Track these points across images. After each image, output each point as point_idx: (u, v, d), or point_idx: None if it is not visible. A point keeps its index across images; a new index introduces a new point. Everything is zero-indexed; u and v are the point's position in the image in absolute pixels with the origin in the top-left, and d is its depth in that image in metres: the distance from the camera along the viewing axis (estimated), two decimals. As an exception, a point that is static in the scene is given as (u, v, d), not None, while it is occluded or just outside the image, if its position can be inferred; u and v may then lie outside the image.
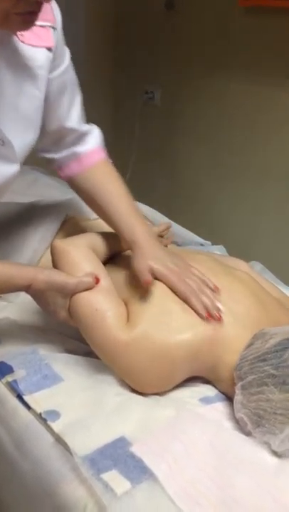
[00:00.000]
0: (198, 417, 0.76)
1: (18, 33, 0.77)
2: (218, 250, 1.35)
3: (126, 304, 0.85)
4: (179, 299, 0.84)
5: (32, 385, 0.79)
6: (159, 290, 0.84)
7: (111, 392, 0.80)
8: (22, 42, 0.78)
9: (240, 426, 0.76)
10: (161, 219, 1.32)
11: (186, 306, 0.83)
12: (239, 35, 1.85)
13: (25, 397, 0.77)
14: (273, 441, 0.70)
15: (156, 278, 0.85)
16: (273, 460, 0.70)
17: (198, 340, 0.80)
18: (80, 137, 1.00)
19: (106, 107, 2.41)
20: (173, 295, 0.84)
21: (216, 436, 0.72)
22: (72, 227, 1.11)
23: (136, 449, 0.68)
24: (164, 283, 0.85)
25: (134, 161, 2.27)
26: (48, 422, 0.73)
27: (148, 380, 0.80)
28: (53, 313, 0.86)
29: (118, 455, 0.67)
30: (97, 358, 0.84)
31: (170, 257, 0.89)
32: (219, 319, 0.82)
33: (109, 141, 1.81)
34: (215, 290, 0.86)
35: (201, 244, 1.39)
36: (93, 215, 1.16)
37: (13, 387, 0.79)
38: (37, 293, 0.83)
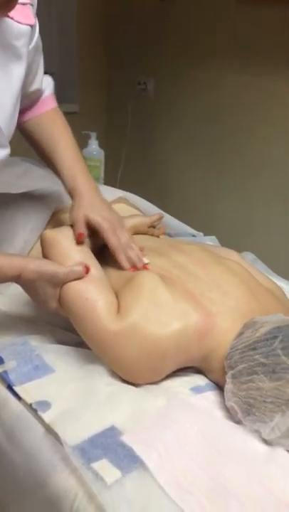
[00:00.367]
0: (188, 406, 0.76)
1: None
2: (211, 241, 1.35)
3: (117, 294, 0.85)
4: (170, 291, 0.83)
5: (22, 376, 0.79)
6: (150, 281, 0.84)
7: (102, 382, 0.80)
8: (12, 19, 0.79)
9: (230, 415, 0.76)
10: (153, 210, 1.32)
11: (177, 297, 0.83)
12: (232, 26, 1.84)
13: (16, 388, 0.77)
14: (263, 430, 0.70)
15: (91, 227, 0.88)
16: (263, 448, 0.70)
17: (189, 333, 0.80)
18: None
19: (98, 99, 2.39)
20: (164, 286, 0.84)
21: (206, 425, 0.72)
22: (63, 217, 1.10)
23: (126, 438, 0.68)
24: (98, 233, 0.89)
25: (126, 153, 2.27)
26: (39, 413, 0.73)
27: (138, 370, 0.80)
28: (43, 303, 0.85)
29: (108, 444, 0.67)
30: (88, 348, 0.84)
31: (107, 208, 0.92)
32: (146, 268, 0.87)
33: (102, 133, 1.81)
34: (140, 249, 0.91)
35: (193, 235, 1.38)
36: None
37: (3, 377, 0.79)
38: (27, 283, 0.82)
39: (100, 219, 0.88)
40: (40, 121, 1.01)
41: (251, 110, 1.86)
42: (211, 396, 0.81)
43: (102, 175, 1.74)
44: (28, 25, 0.84)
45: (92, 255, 0.90)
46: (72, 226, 0.91)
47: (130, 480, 0.63)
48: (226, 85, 1.93)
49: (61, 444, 0.68)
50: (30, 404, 0.74)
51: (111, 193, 1.27)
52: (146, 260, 0.90)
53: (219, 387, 0.82)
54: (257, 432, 0.72)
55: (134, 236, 1.03)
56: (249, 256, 1.29)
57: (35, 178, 1.37)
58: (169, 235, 1.29)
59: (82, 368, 0.83)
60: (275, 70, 1.74)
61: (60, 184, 1.12)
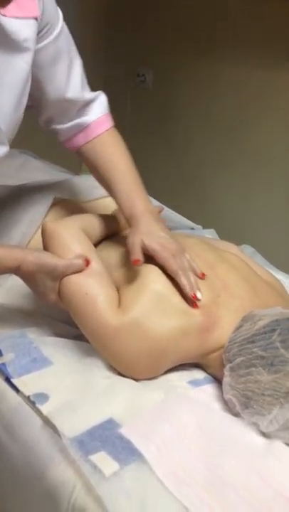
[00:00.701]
0: (186, 399, 0.76)
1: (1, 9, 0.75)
2: (209, 234, 1.35)
3: (118, 289, 0.84)
4: (173, 287, 0.82)
5: (20, 368, 0.79)
6: (153, 276, 0.83)
7: (100, 375, 0.80)
8: (4, 16, 0.76)
9: (228, 407, 0.76)
10: (152, 203, 1.31)
11: (179, 294, 0.82)
12: (233, 17, 1.82)
13: (14, 380, 0.77)
14: (261, 422, 0.70)
15: (147, 254, 0.83)
16: (261, 441, 0.71)
17: (191, 332, 0.79)
18: (85, 107, 0.98)
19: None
20: (167, 282, 0.83)
21: (204, 417, 0.72)
22: (62, 209, 1.10)
23: (124, 431, 0.68)
24: (155, 259, 0.83)
25: (126, 145, 2.25)
26: (37, 405, 0.72)
27: (137, 366, 0.79)
28: (42, 295, 0.85)
29: (106, 437, 0.67)
30: (86, 341, 0.84)
31: (166, 234, 0.87)
32: (195, 306, 0.80)
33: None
34: (201, 277, 0.85)
35: (192, 229, 1.38)
36: (84, 198, 1.15)
37: (1, 370, 0.79)
38: (26, 275, 0.82)
39: (157, 246, 0.83)
40: (95, 146, 0.98)
41: (251, 102, 1.85)
42: (209, 389, 0.81)
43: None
44: (29, 17, 0.81)
45: (94, 248, 0.89)
46: (89, 221, 0.91)
47: (128, 472, 0.63)
48: (225, 77, 1.91)
49: (59, 436, 0.68)
50: (28, 397, 0.74)
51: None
52: (199, 295, 0.82)
53: (217, 380, 0.82)
54: (255, 425, 0.72)
55: None
56: (248, 249, 1.28)
57: (33, 170, 1.37)
58: (168, 228, 1.29)
59: (80, 360, 0.82)
60: (275, 62, 1.73)
61: (58, 176, 1.12)
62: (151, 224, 0.87)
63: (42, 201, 1.11)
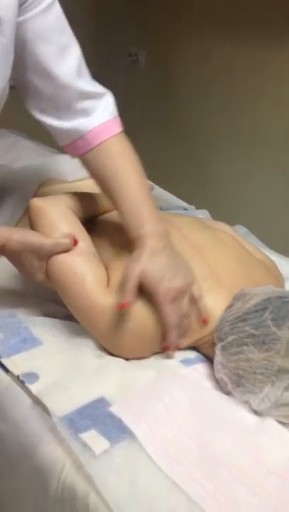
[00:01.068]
0: (178, 378, 0.75)
1: None
2: (202, 214, 1.34)
3: (107, 268, 0.83)
4: None
5: (10, 348, 0.78)
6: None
7: (91, 354, 0.79)
8: None
9: (220, 386, 0.76)
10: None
11: None
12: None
13: (3, 360, 0.76)
14: (253, 400, 0.70)
15: (145, 284, 0.76)
16: (253, 419, 0.70)
17: None
18: (83, 100, 0.86)
19: (88, 71, 2.34)
20: None
21: (196, 395, 0.72)
22: (50, 189, 1.08)
23: (115, 409, 0.68)
24: (151, 298, 0.76)
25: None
26: (26, 384, 0.72)
27: (126, 345, 0.79)
28: (29, 275, 0.83)
29: (97, 415, 0.67)
30: (76, 321, 0.83)
31: (174, 263, 0.78)
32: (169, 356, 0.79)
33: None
34: (205, 322, 0.78)
35: (185, 209, 1.37)
36: (73, 177, 1.13)
37: (-10, 350, 0.78)
38: (12, 254, 0.80)
39: (157, 280, 0.74)
40: (98, 156, 0.86)
41: (245, 81, 1.83)
42: (201, 368, 0.81)
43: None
44: None
45: (82, 227, 0.87)
46: (77, 198, 0.85)
47: (119, 450, 0.62)
48: (218, 56, 1.89)
49: (49, 415, 0.67)
50: (18, 376, 0.73)
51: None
52: (180, 343, 0.79)
53: (209, 359, 0.82)
54: (247, 403, 0.72)
55: None
56: (241, 229, 1.28)
57: (23, 150, 1.35)
58: (161, 209, 1.28)
59: (70, 340, 0.82)
60: (270, 40, 1.70)
61: (48, 155, 1.10)
62: (159, 250, 0.78)
63: (31, 181, 1.09)
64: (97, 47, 2.33)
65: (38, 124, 1.01)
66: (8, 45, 0.78)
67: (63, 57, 0.83)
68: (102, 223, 0.95)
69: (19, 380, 0.73)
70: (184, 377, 0.77)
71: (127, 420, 0.66)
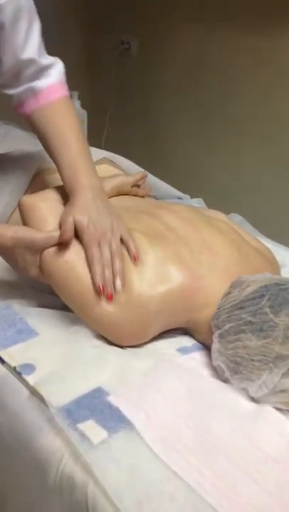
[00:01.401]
0: (175, 366, 0.75)
1: None
2: (197, 203, 1.33)
3: None
4: (157, 252, 0.81)
5: (6, 340, 0.78)
6: (135, 242, 0.82)
7: (87, 344, 0.79)
8: None
9: (217, 374, 0.76)
10: (137, 171, 1.28)
11: (163, 259, 0.81)
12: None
13: (-1, 352, 0.76)
14: (251, 388, 0.70)
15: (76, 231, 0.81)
16: (251, 406, 0.70)
17: (174, 295, 0.78)
18: (40, 71, 0.93)
19: (80, 60, 2.31)
20: (150, 247, 0.82)
21: (193, 383, 0.71)
22: (45, 179, 1.07)
23: (113, 399, 0.67)
24: (80, 239, 0.81)
25: (111, 115, 2.21)
26: (23, 376, 0.71)
27: (122, 331, 0.78)
28: (23, 270, 0.83)
29: (95, 405, 0.66)
30: (72, 311, 0.82)
31: (102, 215, 0.83)
32: (110, 298, 0.77)
33: (85, 95, 1.74)
34: (134, 262, 0.80)
35: (180, 198, 1.36)
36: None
37: (-14, 342, 0.78)
38: (5, 251, 0.80)
39: (84, 225, 0.80)
40: (44, 114, 0.93)
41: (237, 69, 1.81)
42: (198, 356, 0.81)
43: (85, 136, 1.69)
44: None
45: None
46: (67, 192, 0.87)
47: (117, 440, 0.62)
48: (210, 44, 1.87)
49: (46, 406, 0.67)
50: (14, 368, 0.73)
51: (95, 153, 1.23)
52: (119, 285, 0.78)
53: (206, 347, 0.82)
54: (244, 391, 0.72)
55: (120, 197, 1.01)
56: (236, 218, 1.27)
57: (16, 140, 1.33)
58: (155, 198, 1.27)
59: (66, 331, 0.81)
60: (263, 30, 1.69)
61: (39, 144, 1.09)
62: (89, 200, 0.83)
63: (25, 171, 1.08)
64: (90, 35, 2.31)
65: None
66: None
67: (30, 34, 0.89)
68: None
69: (16, 372, 0.73)
70: (181, 365, 0.77)
71: (125, 410, 0.66)
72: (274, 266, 0.96)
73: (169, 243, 0.84)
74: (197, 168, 2.07)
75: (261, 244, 1.01)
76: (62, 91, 0.95)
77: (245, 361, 0.70)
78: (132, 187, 1.04)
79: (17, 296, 0.90)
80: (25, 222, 0.86)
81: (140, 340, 0.80)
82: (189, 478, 0.58)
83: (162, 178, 1.38)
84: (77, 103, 1.67)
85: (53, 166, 1.10)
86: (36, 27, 0.90)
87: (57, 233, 0.80)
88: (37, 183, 1.06)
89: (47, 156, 1.12)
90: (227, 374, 0.73)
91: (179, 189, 1.40)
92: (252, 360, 0.69)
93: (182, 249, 0.83)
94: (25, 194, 1.03)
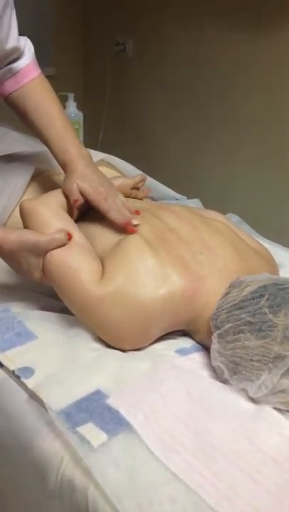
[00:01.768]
0: (174, 367, 0.75)
1: None
2: (194, 204, 1.33)
3: (102, 260, 0.83)
4: (158, 255, 0.81)
5: (4, 343, 0.77)
6: (136, 246, 0.82)
7: (86, 347, 0.78)
8: None
9: (216, 375, 0.76)
10: (136, 173, 1.28)
11: (164, 261, 0.80)
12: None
13: (-3, 355, 0.75)
14: (250, 388, 0.70)
15: (83, 196, 0.87)
16: (250, 406, 0.70)
17: (176, 298, 0.78)
18: (20, 54, 0.96)
19: (75, 60, 2.31)
20: (151, 250, 0.81)
21: (192, 384, 0.71)
22: (42, 181, 1.07)
23: (112, 401, 0.67)
24: (89, 201, 0.88)
25: (106, 116, 2.21)
26: (22, 379, 0.71)
27: (123, 335, 0.78)
28: (26, 274, 0.83)
29: (94, 408, 0.66)
30: (71, 314, 0.82)
31: (100, 178, 0.90)
32: (131, 230, 0.85)
33: (81, 96, 1.73)
34: (136, 213, 0.89)
35: (177, 199, 1.36)
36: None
37: (-16, 345, 0.77)
38: (8, 254, 0.80)
39: (90, 189, 0.87)
40: (23, 93, 0.97)
41: (232, 68, 1.81)
42: (197, 357, 0.80)
43: (81, 138, 1.69)
44: None
45: (73, 222, 0.87)
46: (66, 196, 0.90)
47: (117, 442, 0.62)
48: (206, 44, 1.87)
49: (46, 409, 0.66)
50: (13, 371, 0.72)
51: (92, 156, 1.23)
52: (135, 221, 0.87)
53: (205, 348, 0.82)
54: (244, 391, 0.72)
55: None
56: (234, 218, 1.27)
57: (12, 142, 1.32)
58: (152, 199, 1.27)
59: (65, 333, 0.81)
60: (257, 29, 1.69)
61: (38, 147, 1.09)
62: (85, 168, 0.90)
63: (22, 173, 1.08)
64: (85, 36, 2.31)
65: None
66: None
67: (12, 25, 0.92)
68: (93, 215, 0.94)
69: (14, 375, 0.72)
70: (179, 366, 0.76)
71: (124, 412, 0.66)
72: (272, 266, 0.96)
73: (171, 245, 0.84)
74: (194, 169, 2.07)
75: (259, 244, 1.01)
76: (37, 69, 0.99)
77: (244, 361, 0.70)
78: (131, 189, 1.04)
79: (15, 298, 0.90)
80: (26, 226, 0.85)
81: (142, 345, 0.80)
82: (189, 479, 0.58)
83: (159, 179, 1.38)
84: (73, 105, 1.67)
85: (52, 168, 1.10)
86: (14, 15, 0.92)
87: (60, 235, 0.80)
88: (36, 186, 1.06)
89: (44, 157, 1.12)
90: (226, 374, 0.73)
91: (175, 190, 1.40)
92: (251, 360, 0.69)
93: (183, 251, 0.83)
94: (23, 196, 1.03)
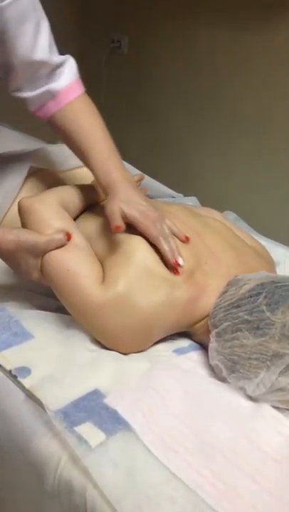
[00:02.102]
0: (172, 367, 0.75)
1: None
2: (191, 201, 1.33)
3: (102, 262, 0.81)
4: (157, 257, 0.80)
5: (1, 343, 0.77)
6: (136, 247, 0.80)
7: (83, 347, 0.78)
8: None
9: (214, 373, 0.76)
10: (133, 172, 1.28)
11: (163, 264, 0.79)
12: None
13: (-6, 355, 0.75)
14: (248, 386, 0.70)
15: (127, 222, 0.80)
16: (249, 404, 0.70)
17: (177, 304, 0.77)
18: (54, 71, 0.92)
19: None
20: (151, 253, 0.80)
21: (190, 383, 0.71)
22: (38, 180, 1.06)
23: (110, 401, 0.67)
24: (136, 227, 0.81)
25: (101, 113, 2.19)
26: (19, 379, 0.71)
27: (123, 341, 0.77)
28: (25, 274, 0.82)
29: (92, 407, 0.66)
30: (68, 314, 0.81)
31: (145, 202, 0.84)
32: (177, 273, 0.79)
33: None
34: (185, 241, 0.83)
35: (173, 197, 1.35)
36: (61, 167, 1.11)
37: (-19, 345, 0.77)
38: (6, 254, 0.79)
39: (137, 214, 0.81)
40: (67, 114, 0.93)
41: (228, 67, 1.81)
42: (195, 356, 0.80)
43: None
44: None
45: (74, 222, 0.86)
46: (66, 194, 0.87)
47: (115, 441, 0.62)
48: (201, 41, 1.86)
49: (43, 409, 0.66)
50: (10, 371, 0.72)
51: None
52: (181, 262, 0.80)
53: (203, 347, 0.81)
54: (242, 389, 0.71)
55: None
56: (230, 215, 1.27)
57: (8, 140, 1.32)
58: (149, 197, 1.26)
59: (62, 333, 0.80)
60: (253, 26, 1.68)
61: (34, 145, 1.08)
62: (130, 192, 0.84)
63: (17, 171, 1.07)
64: (80, 33, 2.29)
65: (26, 116, 1.00)
66: None
67: (39, 35, 0.87)
68: (93, 215, 0.93)
69: (11, 375, 0.72)
70: (177, 365, 0.76)
71: (122, 411, 0.65)
72: (270, 264, 0.95)
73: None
74: (190, 166, 2.06)
75: (256, 242, 1.01)
76: (80, 88, 0.95)
77: (242, 360, 0.70)
78: None
79: (12, 298, 0.89)
80: (24, 224, 0.84)
81: (140, 348, 0.79)
82: (188, 479, 0.58)
83: (155, 177, 1.37)
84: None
85: (47, 167, 1.09)
86: (44, 27, 0.88)
87: (59, 236, 0.79)
88: (30, 184, 1.05)
89: (40, 155, 1.11)
90: (224, 373, 0.72)
91: (172, 187, 1.40)
92: (249, 358, 0.69)
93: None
94: (18, 195, 1.02)
